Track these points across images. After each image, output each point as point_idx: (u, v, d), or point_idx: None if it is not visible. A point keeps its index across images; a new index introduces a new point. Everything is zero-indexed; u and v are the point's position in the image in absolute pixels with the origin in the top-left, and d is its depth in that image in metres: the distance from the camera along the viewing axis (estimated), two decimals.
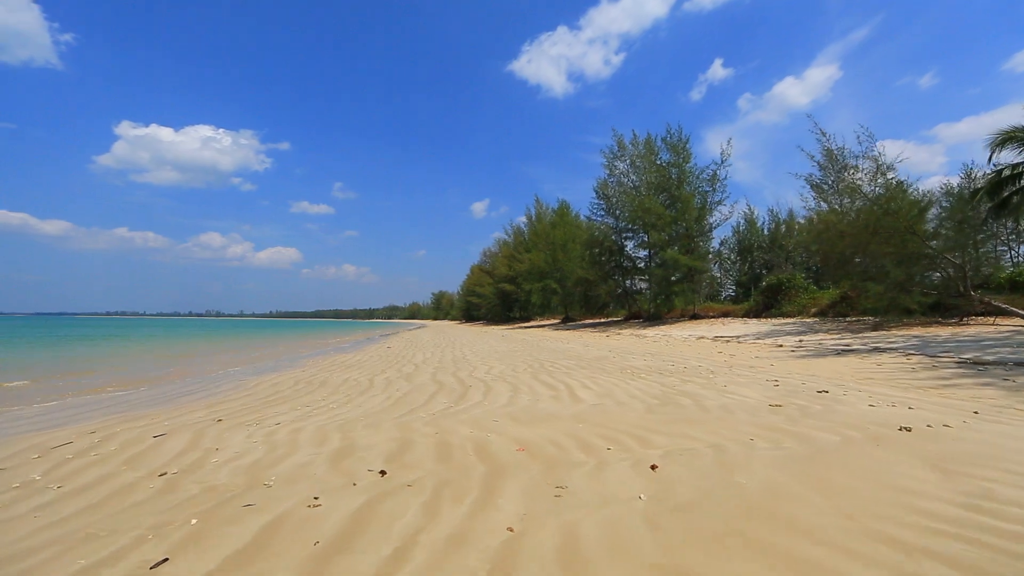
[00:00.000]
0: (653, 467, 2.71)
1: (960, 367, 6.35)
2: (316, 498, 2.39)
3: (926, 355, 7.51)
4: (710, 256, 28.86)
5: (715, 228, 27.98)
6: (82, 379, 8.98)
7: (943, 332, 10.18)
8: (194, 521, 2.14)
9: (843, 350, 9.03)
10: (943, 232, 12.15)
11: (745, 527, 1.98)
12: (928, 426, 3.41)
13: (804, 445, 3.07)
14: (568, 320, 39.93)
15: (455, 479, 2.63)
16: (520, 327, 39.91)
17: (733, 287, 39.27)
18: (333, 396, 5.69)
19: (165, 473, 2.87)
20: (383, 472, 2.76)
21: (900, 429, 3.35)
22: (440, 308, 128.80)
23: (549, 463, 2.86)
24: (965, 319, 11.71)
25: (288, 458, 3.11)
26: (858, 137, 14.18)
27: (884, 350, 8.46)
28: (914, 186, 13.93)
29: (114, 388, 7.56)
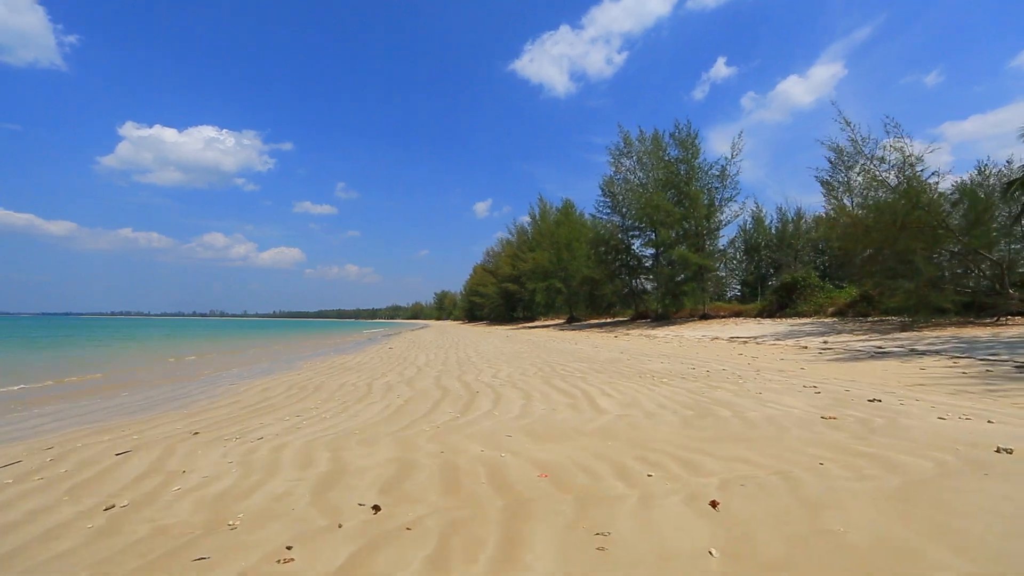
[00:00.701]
0: (713, 504, 2.16)
1: (1021, 372, 5.75)
2: (289, 548, 1.86)
3: (975, 358, 6.89)
4: (716, 254, 28.12)
5: (725, 226, 27.30)
6: (68, 384, 8.53)
7: (982, 333, 9.52)
8: None
9: (877, 352, 8.41)
10: (979, 229, 11.45)
11: None
12: None
13: (891, 473, 2.51)
14: (573, 320, 39.31)
15: (466, 519, 2.10)
16: (524, 327, 39.35)
17: (739, 286, 38.43)
18: (327, 404, 5.17)
19: (113, 506, 2.35)
20: (376, 508, 2.23)
21: (998, 451, 2.78)
22: (443, 308, 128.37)
23: (582, 496, 2.32)
24: (1003, 319, 11.04)
25: (264, 485, 2.59)
26: (885, 127, 13.62)
27: (923, 353, 7.84)
28: (940, 181, 13.30)
29: (96, 393, 7.09)
